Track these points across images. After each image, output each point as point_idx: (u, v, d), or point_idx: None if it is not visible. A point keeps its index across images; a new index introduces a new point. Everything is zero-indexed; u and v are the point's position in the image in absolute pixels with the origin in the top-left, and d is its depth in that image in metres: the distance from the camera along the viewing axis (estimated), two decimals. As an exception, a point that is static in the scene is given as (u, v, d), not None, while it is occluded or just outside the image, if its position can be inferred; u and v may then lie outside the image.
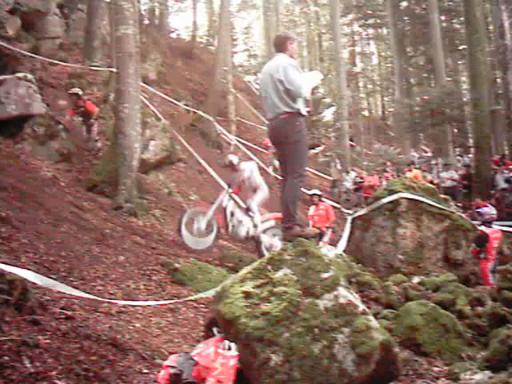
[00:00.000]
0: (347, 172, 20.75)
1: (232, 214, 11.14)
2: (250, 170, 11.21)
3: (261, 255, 10.17)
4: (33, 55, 17.52)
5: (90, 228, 9.95)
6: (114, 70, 15.47)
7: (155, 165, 16.17)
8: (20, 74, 14.42)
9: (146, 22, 33.92)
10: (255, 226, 10.86)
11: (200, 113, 23.45)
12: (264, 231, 10.91)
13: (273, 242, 10.73)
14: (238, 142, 24.08)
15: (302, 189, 6.20)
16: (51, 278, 6.01)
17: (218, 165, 17.48)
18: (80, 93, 14.97)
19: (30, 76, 14.68)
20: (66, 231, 9.00)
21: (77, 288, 6.28)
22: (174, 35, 39.86)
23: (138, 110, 13.37)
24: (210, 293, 6.49)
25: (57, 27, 20.84)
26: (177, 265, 9.02)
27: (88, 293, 6.18)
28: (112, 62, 17.38)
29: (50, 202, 10.28)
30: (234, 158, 11.68)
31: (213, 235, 11.06)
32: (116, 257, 8.85)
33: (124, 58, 13.25)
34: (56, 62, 18.55)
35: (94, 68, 19.59)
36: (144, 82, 18.44)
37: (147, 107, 17.76)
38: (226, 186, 11.69)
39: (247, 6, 51.07)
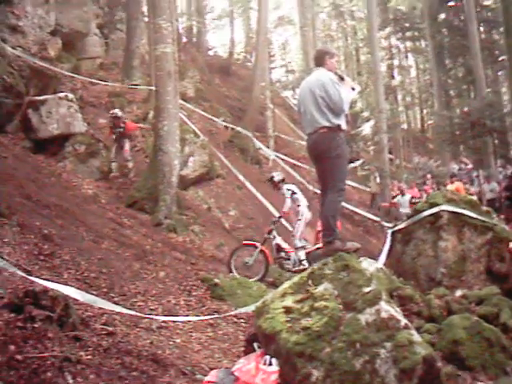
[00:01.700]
0: (402, 193, 20.05)
1: (279, 248, 11.19)
2: (290, 192, 11.19)
3: None
4: (73, 75, 17.84)
5: (131, 244, 10.04)
6: (153, 88, 15.63)
7: (194, 181, 16.28)
8: (61, 94, 14.73)
9: (184, 39, 34.30)
10: (301, 260, 10.79)
11: (238, 129, 23.54)
12: (310, 263, 10.77)
13: None
14: (277, 157, 24.09)
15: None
16: (92, 294, 6.06)
17: (257, 180, 17.52)
18: (119, 114, 15.02)
19: (70, 95, 14.98)
20: (106, 248, 9.10)
21: (118, 304, 6.32)
22: (211, 52, 40.22)
23: (176, 127, 13.51)
24: (250, 308, 6.45)
25: (97, 47, 21.23)
26: (216, 280, 9.04)
27: (129, 309, 6.22)
28: (151, 80, 17.58)
29: (90, 218, 10.42)
30: (276, 175, 11.73)
31: (261, 272, 10.89)
32: (156, 273, 8.90)
33: (163, 76, 13.42)
34: (96, 81, 18.84)
35: (133, 87, 19.84)
36: (183, 100, 18.62)
37: (186, 124, 17.91)
38: (275, 216, 11.69)
39: (284, 22, 51.20)
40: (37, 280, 5.22)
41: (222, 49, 45.31)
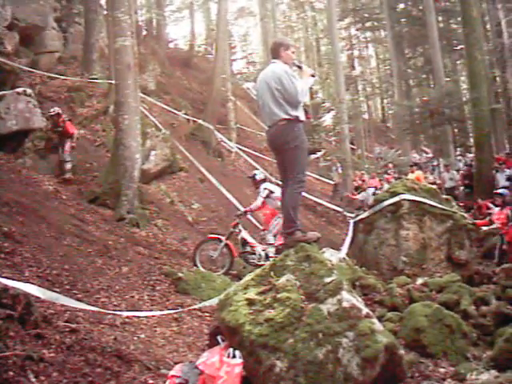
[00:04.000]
0: (364, 189, 20.19)
1: (244, 242, 11.23)
2: (267, 192, 11.20)
3: None
4: (31, 70, 17.60)
5: (93, 240, 9.95)
6: (113, 81, 15.46)
7: (156, 175, 16.20)
8: (19, 89, 14.49)
9: (144, 32, 34.03)
10: (269, 256, 10.80)
11: (200, 121, 23.46)
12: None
13: None
14: (239, 149, 24.10)
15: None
16: (55, 291, 6.02)
17: (219, 173, 17.51)
18: (60, 112, 14.64)
19: (29, 91, 14.75)
20: (68, 244, 9.01)
21: (81, 300, 6.29)
22: (172, 45, 39.98)
23: (137, 121, 13.40)
24: (214, 301, 6.47)
25: (55, 41, 20.90)
26: (180, 274, 9.03)
27: (92, 305, 6.18)
28: (111, 74, 17.40)
29: (52, 215, 10.30)
30: (258, 174, 11.83)
31: (226, 265, 10.93)
32: (119, 268, 8.86)
33: (123, 70, 13.29)
34: (55, 75, 18.60)
35: (92, 80, 19.62)
36: (143, 93, 18.50)
37: (147, 118, 17.81)
38: (239, 210, 11.69)
39: (244, 14, 51.18)
40: (-3, 279, 5.16)
41: (182, 41, 45.10)
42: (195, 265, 10.66)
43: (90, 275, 7.96)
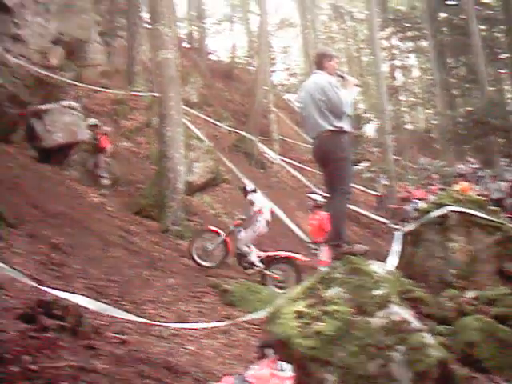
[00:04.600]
0: (410, 200, 19.95)
1: (241, 246, 11.18)
2: (258, 207, 11.18)
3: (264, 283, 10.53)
4: (76, 83, 17.90)
5: (139, 252, 10.07)
6: (156, 94, 15.64)
7: (200, 186, 16.28)
8: (65, 103, 14.76)
9: (186, 45, 34.36)
10: (251, 262, 10.89)
11: (242, 133, 23.55)
12: (268, 267, 10.83)
13: (278, 277, 10.72)
14: (282, 160, 24.07)
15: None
16: (103, 302, 6.08)
17: (263, 184, 17.51)
18: (98, 124, 14.80)
19: (74, 104, 15.01)
20: (115, 255, 9.14)
21: (129, 312, 6.34)
22: (213, 57, 40.25)
23: (180, 133, 13.54)
24: (262, 313, 6.46)
25: (98, 54, 21.25)
26: (227, 286, 9.05)
27: (139, 316, 6.23)
28: (154, 86, 17.62)
29: (98, 227, 10.47)
30: (248, 185, 11.88)
31: (219, 260, 11.06)
32: (166, 280, 8.93)
33: (165, 82, 13.46)
34: (99, 89, 18.89)
35: (136, 93, 19.88)
36: (186, 105, 18.65)
37: (190, 130, 17.93)
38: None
39: (285, 25, 51.26)
40: (48, 290, 5.25)
41: (223, 53, 45.39)
42: (190, 254, 10.76)
43: (137, 286, 8.04)
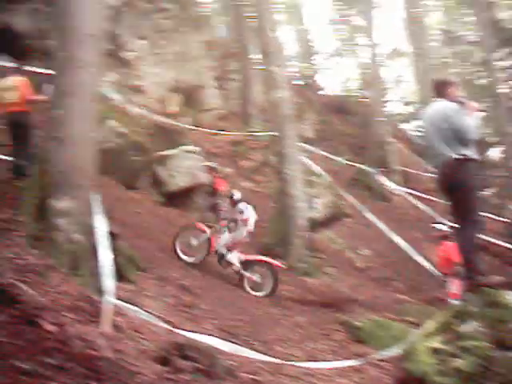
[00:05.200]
0: None
1: (219, 248, 11.11)
2: (246, 217, 11.17)
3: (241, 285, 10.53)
4: (195, 128, 18.47)
5: (266, 290, 10.15)
6: (272, 133, 15.82)
7: (323, 222, 16.21)
8: (185, 147, 15.27)
9: (297, 82, 34.70)
10: (229, 262, 10.84)
11: (361, 166, 23.33)
12: (246, 268, 10.77)
13: (254, 278, 10.62)
14: (404, 191, 23.57)
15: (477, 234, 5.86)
16: (234, 342, 6.16)
17: (386, 217, 17.21)
18: (214, 166, 15.00)
19: (194, 148, 15.50)
20: (243, 295, 9.25)
21: (259, 351, 6.38)
22: (325, 92, 40.38)
23: (299, 170, 13.64)
24: (395, 350, 6.32)
25: (214, 98, 21.89)
26: (356, 323, 8.91)
27: (270, 355, 6.25)
28: (270, 125, 17.86)
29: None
30: (235, 194, 11.74)
31: (200, 257, 11.02)
32: (294, 317, 8.92)
33: (280, 121, 13.66)
34: (217, 131, 19.37)
35: (253, 133, 20.21)
36: (303, 142, 18.75)
37: (308, 166, 17.99)
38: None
39: (396, 55, 50.77)
40: (181, 332, 5.39)
41: (335, 87, 45.43)
42: (174, 249, 10.74)
43: (266, 325, 8.10)
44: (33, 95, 9.03)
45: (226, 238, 11.11)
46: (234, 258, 10.94)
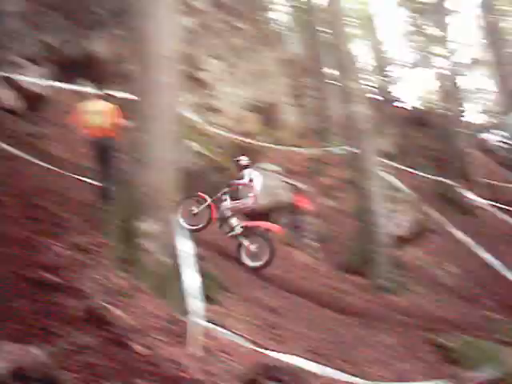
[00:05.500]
0: None
1: (224, 210, 11.22)
2: (248, 178, 11.22)
3: (238, 257, 10.74)
4: (273, 146, 18.47)
5: (352, 309, 9.98)
6: (351, 149, 15.62)
7: (407, 239, 15.90)
8: (265, 166, 15.29)
9: (374, 95, 34.35)
10: (232, 226, 11.00)
11: (443, 179, 22.76)
12: (246, 235, 10.87)
13: (251, 247, 10.67)
14: (489, 204, 22.81)
15: None
16: (322, 363, 6.03)
17: (474, 232, 16.65)
18: (295, 184, 14.96)
19: (274, 167, 15.51)
20: (329, 315, 9.10)
21: (348, 373, 6.22)
22: (402, 104, 39.81)
23: (380, 186, 13.41)
24: (491, 372, 6.03)
25: (291, 116, 21.87)
26: (447, 342, 8.60)
27: (359, 377, 6.09)
28: (348, 141, 17.67)
29: (310, 287, 10.56)
30: (244, 159, 11.71)
31: (202, 224, 11.11)
32: (382, 337, 8.70)
33: (358, 136, 13.54)
34: (295, 149, 19.30)
35: (331, 150, 20.05)
36: (382, 157, 18.47)
37: (390, 182, 17.66)
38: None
39: (476, 64, 49.68)
40: (268, 353, 5.31)
41: (412, 99, 44.76)
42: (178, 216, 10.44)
43: (354, 346, 7.92)
44: (121, 120, 9.19)
45: (231, 203, 11.29)
46: (236, 222, 11.09)
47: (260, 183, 11.53)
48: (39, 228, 6.09)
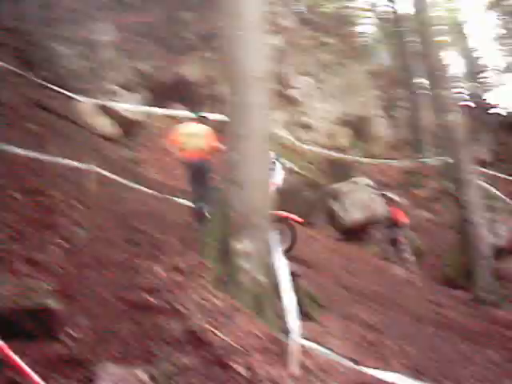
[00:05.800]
0: None
1: None
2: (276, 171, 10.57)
3: None
4: (365, 159, 18.30)
5: (452, 324, 9.67)
6: (446, 159, 15.20)
7: (508, 249, 15.27)
8: (358, 180, 15.16)
9: (467, 103, 33.40)
10: None
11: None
12: None
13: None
14: None
15: None
16: (424, 381, 5.88)
17: None
18: (390, 196, 14.61)
19: (367, 180, 15.35)
20: (429, 331, 8.86)
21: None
22: (497, 110, 38.44)
23: (479, 195, 13.00)
24: None
25: (383, 128, 21.62)
26: (557, 359, 8.18)
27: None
28: (443, 151, 17.20)
29: (408, 302, 10.31)
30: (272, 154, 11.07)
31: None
32: (487, 353, 8.37)
33: (453, 145, 13.21)
34: (388, 161, 19.05)
35: (425, 161, 19.63)
36: (479, 165, 17.90)
37: (489, 191, 17.08)
38: None
39: None
40: (368, 371, 5.22)
41: (507, 104, 43.11)
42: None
43: (457, 363, 7.66)
44: (215, 142, 9.25)
45: None
46: None
47: (281, 174, 11.06)
48: (139, 251, 6.27)
